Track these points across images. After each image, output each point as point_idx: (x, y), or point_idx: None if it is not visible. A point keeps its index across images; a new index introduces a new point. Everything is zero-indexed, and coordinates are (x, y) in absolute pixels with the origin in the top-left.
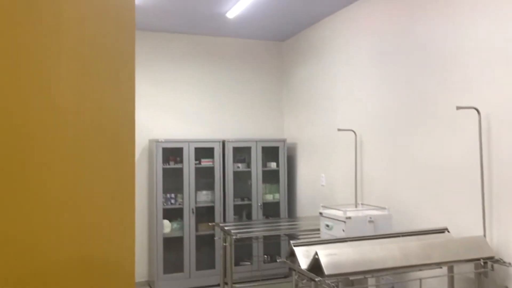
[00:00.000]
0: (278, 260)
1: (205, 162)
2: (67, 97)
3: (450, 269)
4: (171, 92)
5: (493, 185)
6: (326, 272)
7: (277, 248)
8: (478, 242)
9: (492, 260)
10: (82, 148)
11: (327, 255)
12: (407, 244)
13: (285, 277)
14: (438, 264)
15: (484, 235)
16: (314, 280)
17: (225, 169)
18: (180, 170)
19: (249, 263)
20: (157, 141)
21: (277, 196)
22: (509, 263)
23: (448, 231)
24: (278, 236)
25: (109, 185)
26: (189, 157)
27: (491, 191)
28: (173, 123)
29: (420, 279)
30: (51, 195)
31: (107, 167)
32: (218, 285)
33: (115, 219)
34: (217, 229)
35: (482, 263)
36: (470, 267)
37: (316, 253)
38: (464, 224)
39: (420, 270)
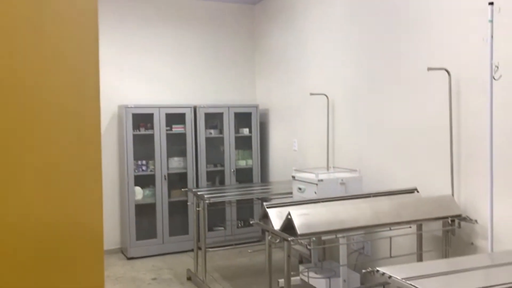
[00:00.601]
0: (251, 222)
1: (177, 128)
2: (26, 59)
3: (419, 228)
4: (141, 57)
5: (461, 146)
6: (299, 231)
7: (250, 213)
8: (446, 201)
9: (459, 218)
10: (46, 112)
11: (300, 215)
12: (378, 203)
13: (259, 241)
14: (408, 223)
15: (452, 194)
16: (287, 240)
17: (197, 135)
18: (151, 137)
19: (222, 228)
20: (126, 107)
21: (250, 162)
22: (475, 221)
23: (418, 191)
24: (251, 200)
25: (74, 149)
26: (160, 123)
27: (459, 152)
28: (143, 88)
29: (390, 237)
30: (14, 159)
31: (72, 131)
32: (192, 250)
33: (81, 182)
34: (190, 195)
35: (449, 221)
36: (438, 225)
37: (289, 214)
38: (433, 184)
39: (390, 229)
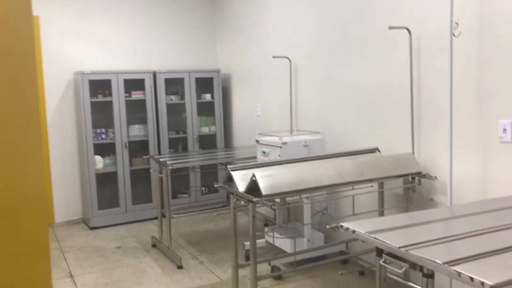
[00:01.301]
0: (216, 185)
1: (136, 95)
2: None
3: (380, 186)
4: (97, 22)
5: (422, 104)
6: (264, 192)
7: (214, 179)
8: (407, 158)
9: (420, 175)
10: None
11: (264, 177)
12: (341, 163)
13: (224, 206)
14: (370, 181)
15: (413, 153)
16: (252, 201)
17: (157, 101)
18: (110, 104)
19: (186, 195)
20: (82, 73)
21: (213, 128)
22: (435, 177)
23: (379, 151)
24: (215, 165)
25: (10, 116)
26: (118, 89)
27: (420, 111)
28: (100, 54)
29: (353, 196)
30: None
31: (6, 95)
32: (156, 218)
33: (19, 150)
34: (152, 162)
35: (410, 179)
36: (399, 182)
37: (254, 175)
38: (394, 144)
39: (353, 188)
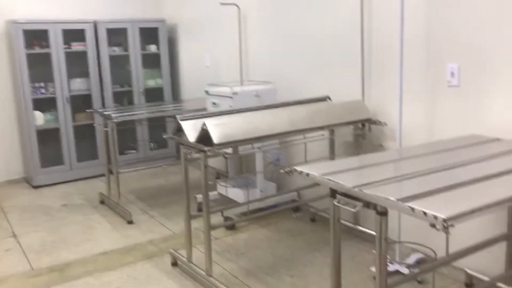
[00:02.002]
0: (164, 136)
1: (76, 46)
2: None
3: (331, 133)
4: None
5: (372, 51)
6: (215, 141)
7: (163, 135)
8: (357, 105)
9: (370, 121)
10: None
11: (216, 125)
12: (293, 111)
13: (173, 162)
14: (322, 128)
15: (363, 99)
16: (203, 151)
17: (99, 53)
18: (48, 56)
19: (134, 151)
20: (16, 22)
21: (159, 81)
22: (385, 123)
23: (330, 99)
24: (163, 119)
25: None
26: (56, 40)
27: (370, 57)
28: (35, 2)
29: (305, 143)
30: None
31: None
32: (103, 175)
33: None
34: (96, 116)
35: (360, 126)
36: (349, 130)
37: (204, 124)
38: (345, 91)
39: (305, 137)
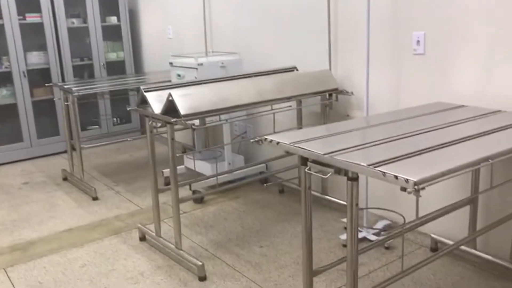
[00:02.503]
0: (128, 109)
1: (32, 18)
2: None
3: (299, 103)
4: None
5: (338, 22)
6: (182, 112)
7: (125, 110)
8: (324, 75)
9: (337, 91)
10: None
11: (182, 96)
12: (260, 81)
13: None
14: (289, 98)
15: (330, 69)
16: (170, 123)
17: (57, 25)
18: (1, 28)
19: (97, 126)
20: None
21: (121, 54)
22: (352, 92)
23: (297, 70)
24: (126, 91)
25: None
26: (9, 11)
27: (336, 28)
28: None
29: (274, 114)
30: None
31: None
32: (65, 151)
33: None
34: (56, 91)
35: (327, 96)
36: (316, 100)
37: (170, 95)
38: (311, 62)
39: (272, 108)
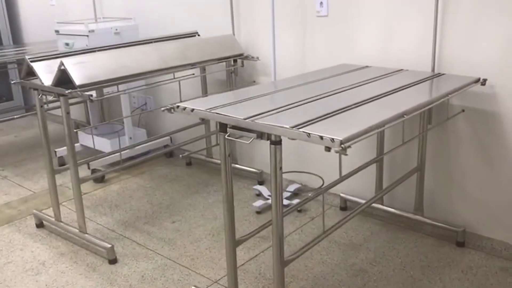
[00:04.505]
0: (12, 82)
1: None
2: None
3: (203, 71)
4: None
5: None
6: (77, 82)
7: (6, 85)
8: (228, 40)
9: (242, 57)
10: None
11: (76, 64)
12: (163, 47)
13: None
14: (194, 65)
15: (233, 34)
16: (63, 95)
17: None
18: None
19: None
20: None
21: None
22: (257, 58)
23: (199, 35)
24: (5, 65)
25: None
26: None
27: None
28: None
29: (179, 81)
30: None
31: None
32: None
33: None
34: None
35: (232, 62)
36: (221, 67)
37: (62, 64)
38: (213, 26)
39: (174, 76)
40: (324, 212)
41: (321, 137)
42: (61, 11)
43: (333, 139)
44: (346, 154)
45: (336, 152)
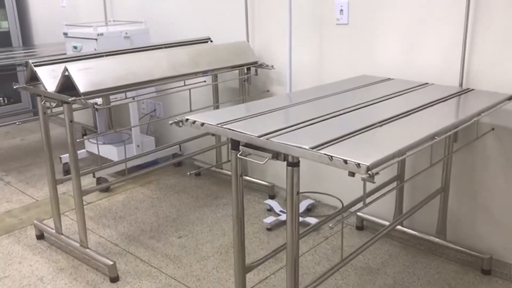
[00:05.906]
0: (15, 87)
1: None
2: None
3: (215, 79)
4: None
5: None
6: (81, 89)
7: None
8: (242, 47)
9: (256, 65)
10: None
11: (81, 70)
12: (173, 53)
13: (29, 116)
14: (207, 72)
15: (248, 41)
16: (66, 102)
17: None
18: None
19: None
20: None
21: (5, 24)
22: (272, 66)
23: (211, 41)
24: (14, 67)
25: None
26: None
27: None
28: None
29: (190, 89)
30: None
31: None
32: None
33: None
34: None
35: (246, 70)
36: (234, 75)
37: (66, 69)
38: (227, 33)
39: (185, 84)
40: (342, 238)
41: (345, 161)
42: (71, 13)
43: (359, 164)
44: (374, 182)
45: (363, 179)
